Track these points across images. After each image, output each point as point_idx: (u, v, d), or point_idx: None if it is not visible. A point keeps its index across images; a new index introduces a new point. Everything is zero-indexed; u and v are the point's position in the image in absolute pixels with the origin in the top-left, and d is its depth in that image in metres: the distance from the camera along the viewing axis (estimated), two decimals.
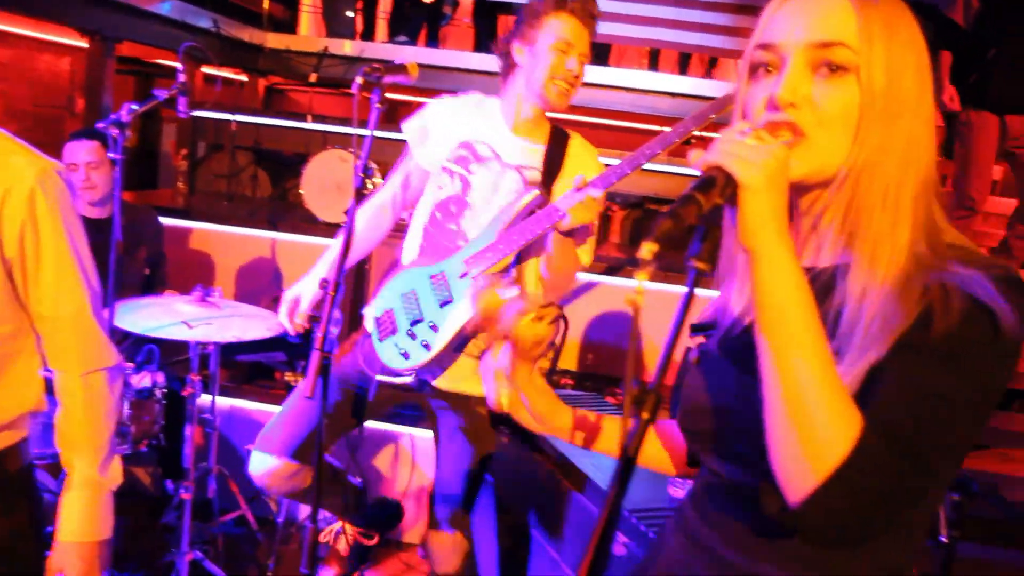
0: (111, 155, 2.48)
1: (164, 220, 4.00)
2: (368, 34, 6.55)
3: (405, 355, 2.27)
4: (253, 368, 3.92)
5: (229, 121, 5.21)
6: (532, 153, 2.31)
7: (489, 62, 6.15)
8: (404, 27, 6.51)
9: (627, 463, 0.84)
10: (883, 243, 0.93)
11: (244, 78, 6.71)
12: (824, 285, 0.96)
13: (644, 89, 5.98)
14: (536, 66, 2.22)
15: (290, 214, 4.90)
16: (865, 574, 0.98)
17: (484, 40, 6.63)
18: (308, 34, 6.72)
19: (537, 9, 2.22)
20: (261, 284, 4.58)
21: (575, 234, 2.17)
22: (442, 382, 2.38)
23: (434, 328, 2.24)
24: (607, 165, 2.24)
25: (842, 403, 0.85)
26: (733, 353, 1.04)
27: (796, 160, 0.93)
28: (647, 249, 0.79)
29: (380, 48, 6.05)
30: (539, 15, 2.21)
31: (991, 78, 4.17)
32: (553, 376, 3.93)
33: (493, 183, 2.29)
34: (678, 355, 0.95)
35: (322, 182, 4.65)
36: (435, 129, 2.37)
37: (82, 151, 3.21)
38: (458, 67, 5.89)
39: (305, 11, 6.82)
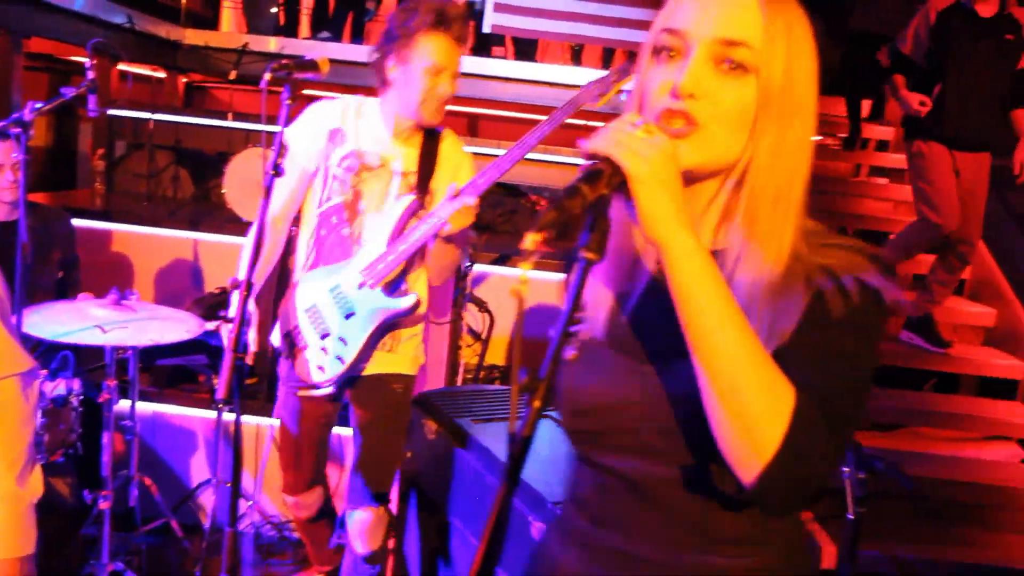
0: (14, 155, 2.39)
1: (81, 222, 3.89)
2: (291, 30, 6.45)
3: (321, 368, 2.34)
4: (175, 372, 3.83)
5: (147, 120, 5.08)
6: (412, 157, 2.38)
7: None
8: (328, 23, 6.44)
9: (520, 452, 0.85)
10: (773, 238, 0.96)
11: (162, 75, 6.54)
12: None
13: (569, 84, 6.02)
14: (409, 88, 2.26)
15: (213, 214, 4.81)
16: (780, 550, 1.02)
17: None
18: (229, 30, 6.59)
19: (411, 28, 2.22)
20: (183, 286, 4.48)
21: (455, 239, 2.24)
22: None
23: (344, 341, 2.31)
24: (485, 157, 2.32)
25: (773, 377, 0.88)
26: (624, 344, 1.03)
27: (688, 150, 0.94)
28: (531, 239, 0.80)
29: (303, 44, 5.96)
30: (413, 34, 2.22)
31: (942, 111, 4.15)
32: (481, 371, 3.94)
33: (382, 189, 2.34)
34: None
35: (244, 181, 4.57)
36: (320, 134, 2.38)
37: (3, 151, 3.05)
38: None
39: (226, 7, 6.68)
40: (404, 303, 2.26)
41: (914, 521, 3.51)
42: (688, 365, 0.93)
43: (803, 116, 0.97)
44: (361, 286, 2.28)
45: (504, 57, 6.49)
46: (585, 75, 6.14)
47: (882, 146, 6.11)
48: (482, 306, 3.91)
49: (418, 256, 2.35)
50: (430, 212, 2.22)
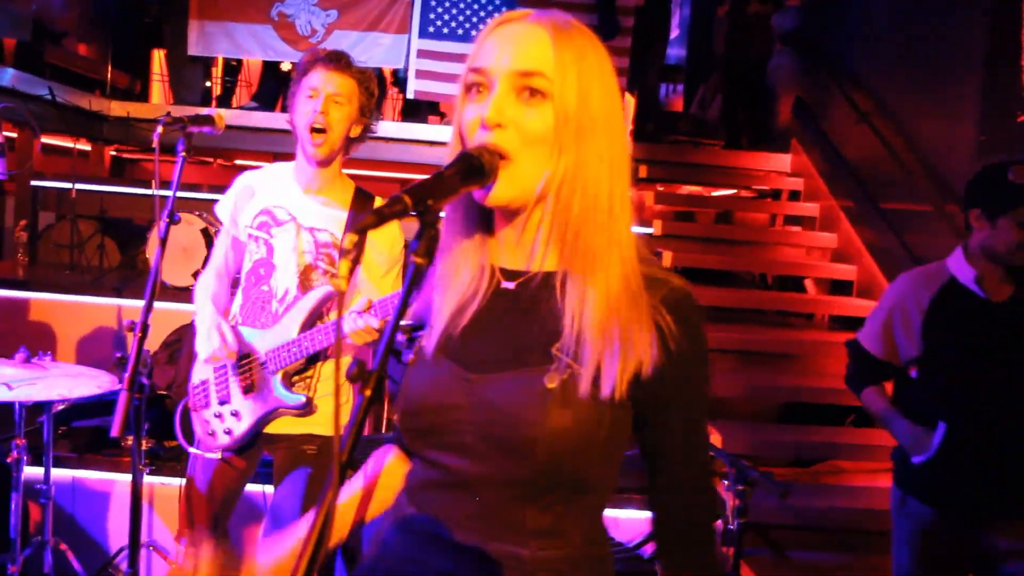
0: None
1: (2, 292, 3.86)
2: (225, 102, 6.57)
3: (213, 435, 2.34)
4: (95, 435, 3.78)
5: (70, 189, 5.08)
6: (330, 216, 2.39)
7: None
8: (256, 95, 6.58)
9: (353, 439, 0.92)
10: (592, 255, 1.05)
11: (87, 147, 6.55)
12: (538, 288, 1.09)
13: None
14: (296, 121, 2.31)
15: (137, 281, 4.80)
16: (577, 543, 1.09)
17: None
18: (159, 102, 6.66)
19: (298, 72, 2.34)
20: (106, 353, 4.44)
21: (359, 350, 2.30)
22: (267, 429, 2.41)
23: (236, 416, 2.32)
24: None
25: None
26: (455, 352, 1.12)
27: (502, 184, 1.04)
28: (348, 240, 0.87)
29: (228, 113, 6.05)
30: (299, 77, 2.33)
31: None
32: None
33: (292, 244, 2.37)
34: None
35: (169, 246, 4.58)
36: (242, 200, 2.45)
37: None
38: None
39: (155, 80, 6.77)
40: (292, 400, 2.28)
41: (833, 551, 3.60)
42: (519, 375, 1.05)
43: (602, 133, 1.06)
44: (264, 366, 2.31)
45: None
46: None
47: (794, 196, 6.38)
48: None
49: (320, 355, 2.34)
50: (333, 321, 2.24)
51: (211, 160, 7.62)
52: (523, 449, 1.02)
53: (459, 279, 1.13)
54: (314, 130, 2.25)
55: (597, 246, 1.05)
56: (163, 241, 2.01)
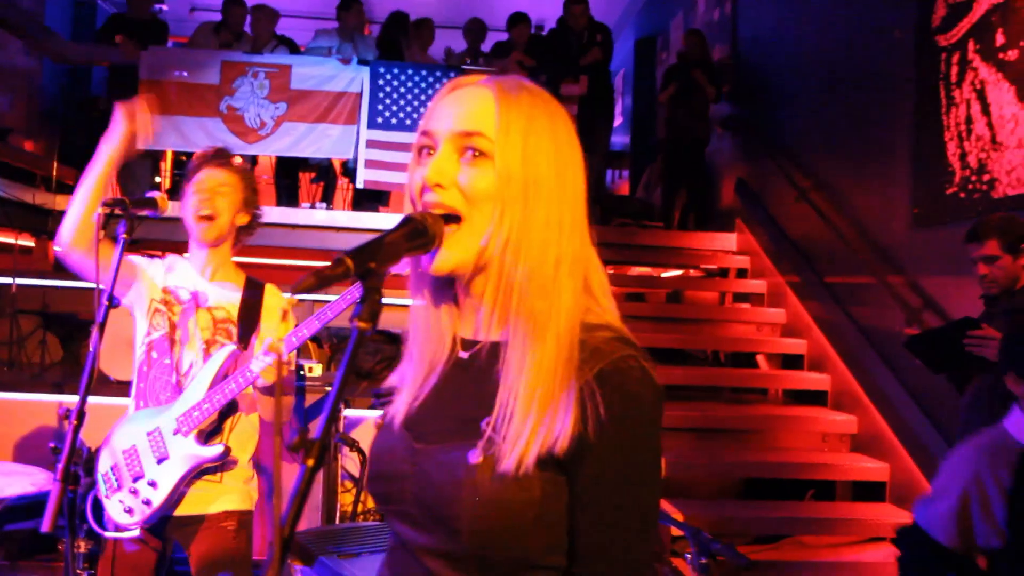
0: None
1: None
2: (175, 195, 6.51)
3: (129, 511, 2.31)
4: (31, 539, 3.59)
5: (10, 284, 4.97)
6: (225, 296, 2.52)
7: (290, 215, 6.26)
8: None
9: (295, 511, 0.88)
10: (538, 325, 1.00)
11: (31, 243, 6.44)
12: (486, 358, 1.06)
13: None
14: (185, 213, 2.45)
15: (80, 376, 4.65)
16: None
17: (284, 196, 6.81)
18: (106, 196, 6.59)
19: (188, 171, 2.51)
20: (46, 452, 4.26)
21: (270, 390, 2.36)
22: (179, 509, 2.37)
23: (153, 485, 2.31)
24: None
25: None
26: (409, 422, 1.11)
27: (445, 251, 1.02)
28: (288, 302, 0.89)
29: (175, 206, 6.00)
30: (189, 177, 2.48)
31: None
32: (359, 515, 3.85)
33: (193, 321, 2.46)
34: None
35: (113, 339, 4.47)
36: (143, 278, 2.51)
37: None
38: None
39: None
40: (211, 452, 2.31)
41: None
42: (453, 449, 1.02)
43: (551, 195, 1.02)
44: (176, 432, 2.32)
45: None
46: None
47: (741, 273, 6.50)
48: (356, 448, 3.86)
49: (240, 403, 2.42)
50: (244, 365, 2.32)
51: (160, 253, 7.53)
52: (451, 523, 0.99)
53: (426, 349, 1.12)
54: (201, 217, 2.40)
55: (538, 313, 1.00)
56: (101, 326, 1.96)
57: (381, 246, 0.95)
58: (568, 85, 6.75)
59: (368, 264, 0.92)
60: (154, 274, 2.50)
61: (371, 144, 6.60)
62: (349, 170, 7.01)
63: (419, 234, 0.99)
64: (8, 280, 5.07)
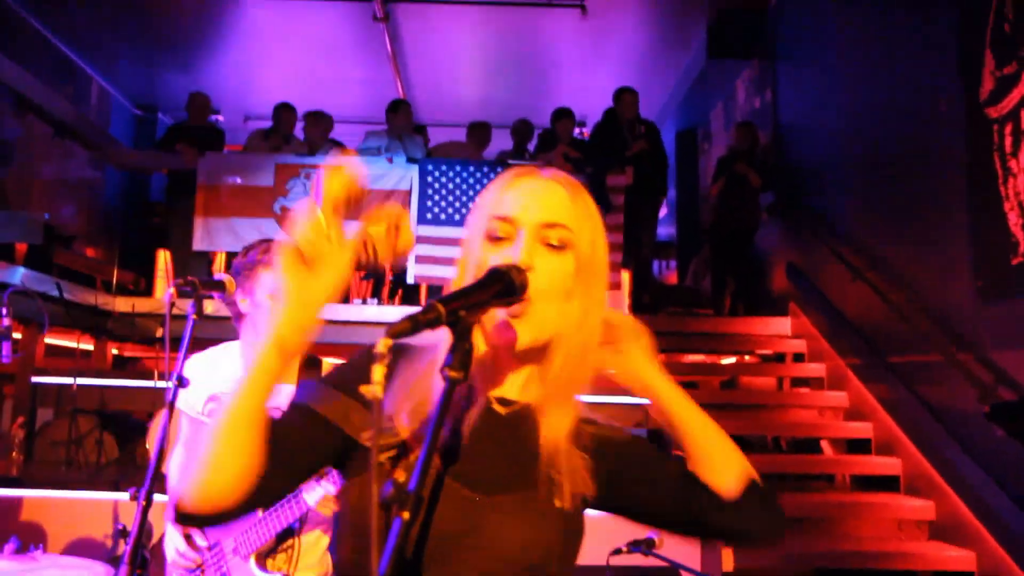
0: None
1: None
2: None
3: None
4: None
5: (70, 385, 5.04)
6: (279, 394, 2.34)
7: (341, 312, 6.33)
8: None
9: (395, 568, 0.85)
10: (570, 393, 1.15)
11: (90, 346, 6.58)
12: (526, 417, 1.14)
13: None
14: (260, 317, 2.29)
15: (137, 474, 4.65)
16: None
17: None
18: (162, 296, 6.76)
19: (251, 263, 2.34)
20: (103, 549, 4.23)
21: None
22: None
23: None
24: None
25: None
26: (460, 473, 1.10)
27: (524, 329, 1.07)
28: (383, 344, 0.85)
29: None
30: (253, 267, 2.32)
31: None
32: None
33: None
34: None
35: (171, 438, 4.49)
36: (192, 380, 2.40)
37: None
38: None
39: (160, 277, 6.90)
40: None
41: None
42: (504, 500, 1.08)
43: (602, 282, 1.16)
44: (235, 552, 2.24)
45: None
46: None
47: (798, 358, 6.36)
48: None
49: (298, 526, 2.29)
50: (294, 492, 2.16)
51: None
52: (538, 570, 1.07)
53: (459, 394, 1.15)
54: None
55: (573, 387, 1.14)
56: (171, 404, 1.95)
57: (470, 295, 0.97)
58: (615, 176, 6.84)
59: (459, 312, 0.93)
60: (195, 380, 2.31)
61: (421, 240, 6.70)
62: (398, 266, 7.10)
63: (506, 287, 1.02)
64: (68, 380, 5.15)
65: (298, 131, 7.32)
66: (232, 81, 8.77)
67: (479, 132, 7.44)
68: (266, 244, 2.35)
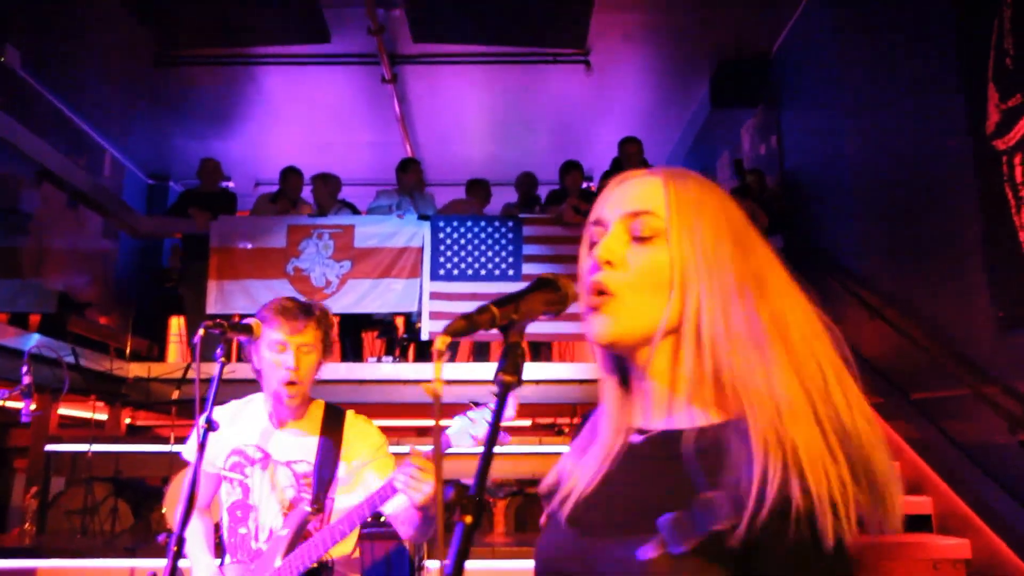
0: None
1: (6, 563, 3.67)
2: (242, 357, 6.65)
3: None
4: None
5: (85, 452, 5.00)
6: (303, 446, 2.35)
7: (356, 371, 6.29)
8: None
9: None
10: (763, 396, 0.94)
11: (103, 416, 6.54)
12: (658, 447, 1.01)
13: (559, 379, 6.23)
14: (266, 373, 2.32)
15: (151, 541, 4.58)
16: None
17: (349, 353, 6.87)
18: (175, 361, 6.75)
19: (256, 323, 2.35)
20: None
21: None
22: None
23: None
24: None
25: None
26: (575, 516, 1.05)
27: (605, 322, 1.01)
28: (441, 341, 0.85)
29: (242, 367, 6.09)
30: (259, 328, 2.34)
31: None
32: None
33: (269, 483, 2.32)
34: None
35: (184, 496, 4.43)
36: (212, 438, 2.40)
37: None
38: (325, 378, 6.00)
39: (172, 341, 6.91)
40: None
41: None
42: (625, 544, 0.93)
43: (724, 269, 1.01)
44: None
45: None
46: (544, 370, 6.37)
47: None
48: None
49: (329, 568, 2.27)
50: (313, 537, 2.18)
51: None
52: None
53: (598, 441, 1.10)
54: (288, 384, 2.27)
55: (764, 391, 0.93)
56: (201, 446, 1.92)
57: (519, 299, 0.96)
58: None
59: (511, 316, 0.93)
60: (223, 428, 2.33)
61: (435, 296, 6.71)
62: (411, 325, 7.10)
63: (552, 293, 1.00)
64: (83, 447, 5.11)
65: (305, 194, 7.40)
66: (243, 148, 8.91)
67: (479, 189, 7.51)
68: (275, 303, 2.35)
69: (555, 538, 1.06)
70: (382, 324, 7.40)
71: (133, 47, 6.81)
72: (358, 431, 2.39)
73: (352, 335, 7.14)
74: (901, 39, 5.33)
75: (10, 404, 6.50)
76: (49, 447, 5.18)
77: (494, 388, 0.93)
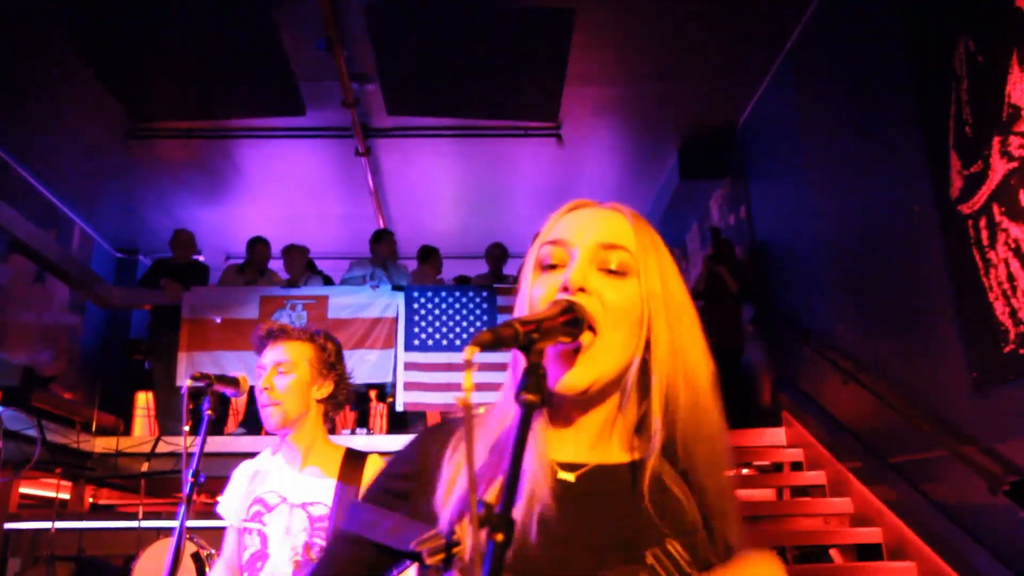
0: None
1: None
2: (216, 430, 6.52)
3: None
4: None
5: (47, 529, 4.81)
6: (320, 488, 2.27)
7: (339, 443, 6.16)
8: (247, 420, 6.57)
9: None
10: (717, 441, 1.01)
11: (67, 496, 6.32)
12: (603, 481, 1.01)
13: None
14: (259, 399, 2.27)
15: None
16: None
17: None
18: (141, 434, 6.58)
19: (243, 377, 2.32)
20: None
21: None
22: None
23: None
24: None
25: None
26: (520, 570, 0.99)
27: (580, 369, 0.98)
28: (470, 352, 0.84)
29: (217, 440, 5.96)
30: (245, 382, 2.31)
31: None
32: None
33: (284, 526, 2.24)
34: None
35: (156, 574, 4.27)
36: (238, 492, 2.35)
37: None
38: None
39: (138, 415, 6.74)
40: None
41: None
42: None
43: (689, 316, 1.04)
44: None
45: None
46: None
47: (796, 467, 6.27)
48: None
49: None
50: None
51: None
52: None
53: (527, 482, 1.01)
54: (264, 405, 2.20)
55: (718, 436, 1.02)
56: (188, 498, 1.86)
57: (543, 322, 0.93)
58: None
59: (533, 335, 0.90)
60: (237, 488, 2.29)
61: (409, 367, 6.66)
62: (384, 395, 7.01)
63: (574, 320, 0.96)
64: (45, 524, 4.92)
65: (273, 265, 7.38)
66: (214, 221, 8.88)
67: (430, 257, 7.57)
68: (260, 338, 2.30)
69: None
70: (356, 395, 7.31)
71: (105, 119, 6.82)
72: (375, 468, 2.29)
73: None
74: (864, 110, 5.52)
75: None
76: (9, 525, 4.97)
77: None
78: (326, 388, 2.29)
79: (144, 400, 7.18)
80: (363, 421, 7.16)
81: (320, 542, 2.16)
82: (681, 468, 1.03)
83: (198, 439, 2.00)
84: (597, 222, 1.04)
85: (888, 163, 5.23)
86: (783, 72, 6.67)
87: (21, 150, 7.33)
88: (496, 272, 7.91)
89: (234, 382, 2.18)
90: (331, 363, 2.29)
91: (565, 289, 0.99)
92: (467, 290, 7.01)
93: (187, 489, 1.89)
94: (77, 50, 5.85)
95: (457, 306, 6.85)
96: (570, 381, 0.98)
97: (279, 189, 8.42)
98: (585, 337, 0.97)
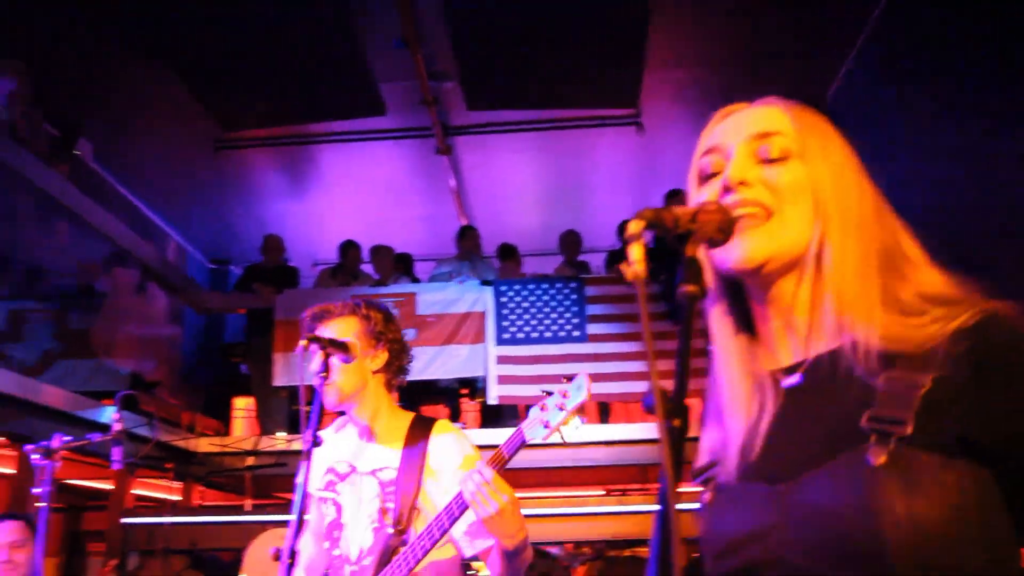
0: (35, 490, 2.32)
1: None
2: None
3: None
4: None
5: (161, 524, 4.97)
6: (388, 455, 2.25)
7: None
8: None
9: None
10: (871, 319, 0.94)
11: (178, 497, 6.53)
12: (825, 371, 0.96)
13: (599, 441, 6.13)
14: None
15: None
16: None
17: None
18: (241, 434, 6.76)
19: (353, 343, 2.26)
20: None
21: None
22: None
23: None
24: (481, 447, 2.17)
25: None
26: (754, 471, 0.98)
27: (757, 240, 0.97)
28: (635, 225, 0.84)
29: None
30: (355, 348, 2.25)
31: None
32: None
33: (357, 495, 2.25)
34: None
35: (264, 565, 4.35)
36: (312, 460, 2.35)
37: (4, 532, 3.06)
38: None
39: (236, 416, 6.93)
40: None
41: None
42: (818, 474, 0.90)
43: (858, 191, 1.00)
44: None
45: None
46: (612, 431, 6.27)
47: None
48: None
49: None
50: (403, 551, 2.04)
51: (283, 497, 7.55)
52: (872, 552, 0.83)
53: (739, 403, 1.02)
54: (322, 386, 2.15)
55: (872, 314, 0.94)
56: (307, 453, 1.88)
57: (699, 213, 0.91)
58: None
59: (690, 225, 0.90)
60: (323, 451, 2.27)
61: (501, 360, 6.66)
62: (476, 391, 7.03)
63: (723, 216, 0.94)
64: (159, 520, 5.08)
65: (364, 267, 7.50)
66: (299, 228, 9.08)
67: (512, 255, 7.59)
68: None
69: (737, 503, 0.98)
70: (445, 394, 7.34)
71: (195, 132, 7.05)
72: (445, 440, 2.24)
73: (414, 407, 7.09)
74: (964, 82, 5.28)
75: (83, 483, 6.53)
76: (126, 520, 5.16)
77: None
78: (380, 358, 2.28)
79: (243, 404, 7.37)
80: (455, 417, 7.19)
81: (392, 506, 2.15)
82: None
83: (315, 403, 2.02)
84: (747, 117, 1.04)
85: (995, 139, 4.98)
86: (868, 49, 6.44)
87: (119, 168, 7.64)
88: (571, 260, 7.83)
89: (345, 347, 2.18)
90: (379, 332, 2.27)
91: (727, 189, 0.99)
92: (556, 282, 6.98)
93: (307, 446, 1.90)
94: (167, 63, 6.07)
95: (546, 298, 6.83)
96: (747, 252, 0.97)
97: (362, 192, 8.55)
98: (753, 222, 0.97)
